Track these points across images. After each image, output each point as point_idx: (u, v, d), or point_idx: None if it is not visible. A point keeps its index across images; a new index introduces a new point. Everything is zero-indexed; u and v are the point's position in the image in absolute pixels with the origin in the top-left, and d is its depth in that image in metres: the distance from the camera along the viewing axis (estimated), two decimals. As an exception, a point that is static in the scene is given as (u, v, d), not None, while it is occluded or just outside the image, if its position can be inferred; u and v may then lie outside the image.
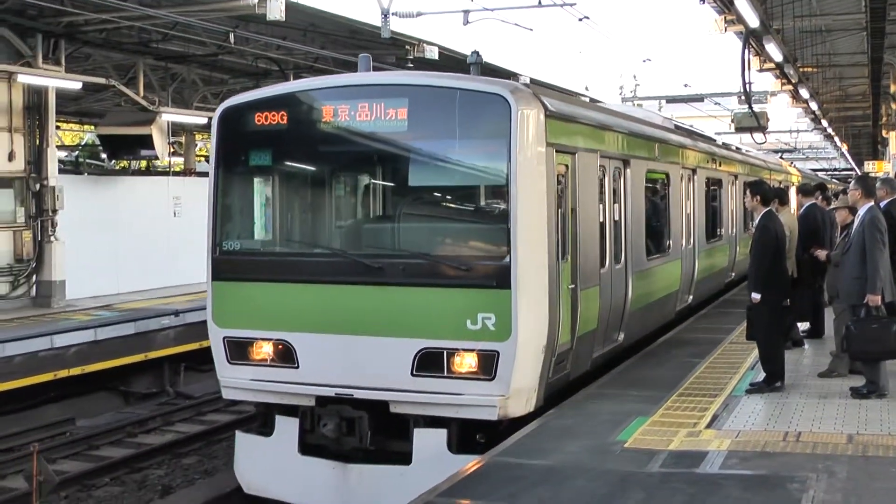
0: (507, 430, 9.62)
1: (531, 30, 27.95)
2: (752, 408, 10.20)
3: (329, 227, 11.38)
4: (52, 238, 21.39)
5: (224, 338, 10.58)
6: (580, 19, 24.15)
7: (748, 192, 11.50)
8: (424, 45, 23.16)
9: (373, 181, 11.35)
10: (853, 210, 11.47)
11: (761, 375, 11.20)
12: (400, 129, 10.05)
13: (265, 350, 10.38)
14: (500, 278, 9.46)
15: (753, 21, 16.71)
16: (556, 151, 10.28)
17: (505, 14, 22.55)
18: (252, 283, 10.56)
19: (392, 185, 11.25)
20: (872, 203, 10.76)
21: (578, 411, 10.29)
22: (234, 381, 10.60)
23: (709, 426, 9.48)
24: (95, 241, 22.45)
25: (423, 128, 10.17)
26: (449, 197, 10.71)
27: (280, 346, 10.29)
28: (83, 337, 17.66)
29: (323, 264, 10.39)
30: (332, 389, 9.98)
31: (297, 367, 10.19)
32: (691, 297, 17.04)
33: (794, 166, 42.20)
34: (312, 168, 11.30)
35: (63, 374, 16.76)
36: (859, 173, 53.82)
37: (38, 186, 21.23)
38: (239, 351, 10.51)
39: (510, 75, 22.30)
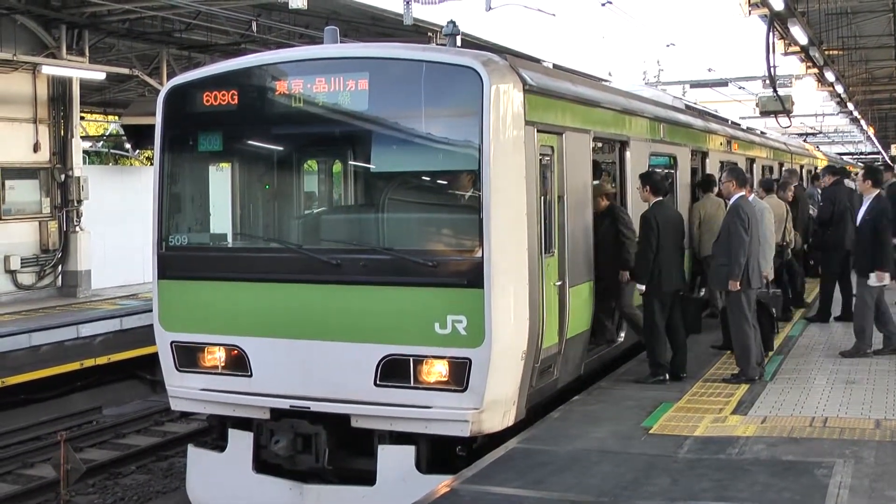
0: (487, 444, 8.67)
1: (554, 15, 27.81)
2: (779, 394, 10.14)
3: (284, 218, 10.40)
4: (78, 228, 21.58)
5: (171, 342, 9.59)
6: (603, 4, 24.06)
7: (639, 182, 11.11)
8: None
9: (331, 167, 10.43)
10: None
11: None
12: (360, 108, 8.99)
13: (216, 356, 9.43)
14: (472, 276, 8.38)
15: (778, 4, 16.55)
16: (539, 131, 9.20)
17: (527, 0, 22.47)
18: (201, 281, 9.55)
19: (352, 171, 10.28)
20: (743, 193, 10.95)
21: (604, 397, 10.26)
22: (183, 390, 9.59)
23: (735, 412, 9.45)
24: (121, 231, 22.57)
25: (385, 106, 9.07)
26: (415, 184, 9.62)
27: (232, 353, 9.33)
28: (109, 326, 17.86)
29: (276, 260, 9.40)
30: (286, 401, 9.00)
31: (250, 376, 9.23)
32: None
33: (819, 150, 41.88)
34: (266, 153, 10.25)
35: (89, 363, 16.91)
36: (886, 157, 53.44)
37: (63, 177, 21.43)
38: (188, 357, 9.55)
39: (534, 62, 22.16)
